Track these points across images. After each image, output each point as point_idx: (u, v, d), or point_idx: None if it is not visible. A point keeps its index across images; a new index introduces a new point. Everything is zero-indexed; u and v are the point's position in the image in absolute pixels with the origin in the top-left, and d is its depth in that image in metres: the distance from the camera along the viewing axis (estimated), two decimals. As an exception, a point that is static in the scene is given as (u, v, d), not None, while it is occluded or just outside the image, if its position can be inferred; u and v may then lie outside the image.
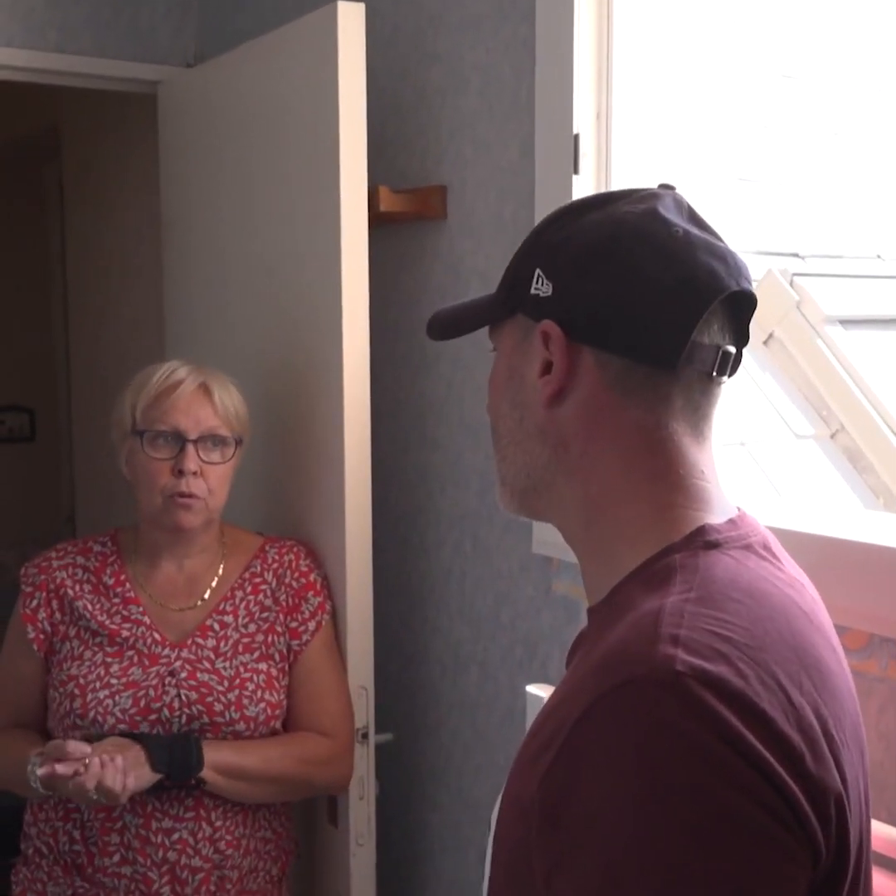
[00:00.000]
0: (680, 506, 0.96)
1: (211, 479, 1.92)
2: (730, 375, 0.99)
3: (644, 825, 0.77)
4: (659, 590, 0.89)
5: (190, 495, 1.90)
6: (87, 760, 1.71)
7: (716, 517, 0.96)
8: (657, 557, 0.93)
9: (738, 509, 1.01)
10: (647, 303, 0.94)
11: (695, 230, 0.97)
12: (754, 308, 1.00)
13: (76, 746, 1.73)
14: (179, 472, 1.89)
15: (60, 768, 1.69)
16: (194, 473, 1.90)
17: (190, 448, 1.90)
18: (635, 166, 1.89)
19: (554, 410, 0.99)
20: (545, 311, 0.98)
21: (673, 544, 0.93)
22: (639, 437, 0.96)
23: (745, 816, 0.77)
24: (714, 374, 0.97)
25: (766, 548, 0.98)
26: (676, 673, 0.80)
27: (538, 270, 0.99)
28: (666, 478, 0.96)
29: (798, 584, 0.97)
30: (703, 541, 0.93)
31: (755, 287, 0.99)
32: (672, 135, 1.93)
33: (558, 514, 1.03)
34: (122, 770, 1.72)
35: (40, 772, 1.71)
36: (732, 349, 0.98)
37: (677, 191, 1.02)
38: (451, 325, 1.12)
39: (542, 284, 0.98)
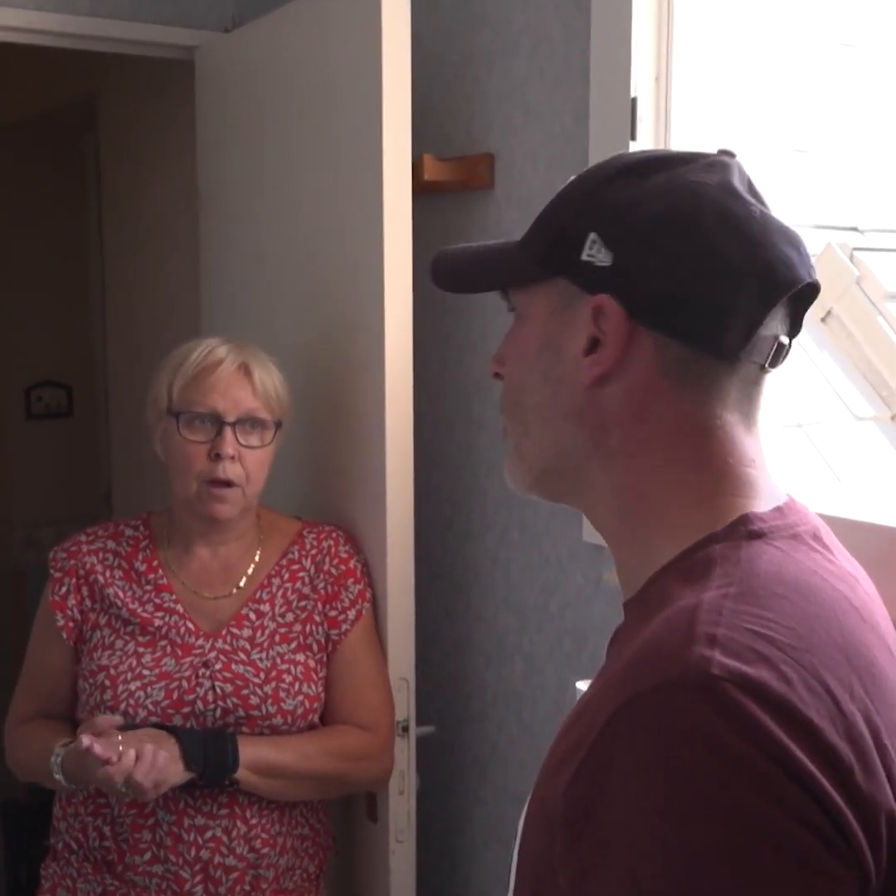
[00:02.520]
0: (725, 494, 0.89)
1: (248, 464, 1.85)
2: (778, 366, 0.93)
3: (673, 841, 0.72)
4: (697, 583, 0.83)
5: (226, 483, 1.83)
6: (121, 748, 1.65)
7: (762, 505, 0.89)
8: (696, 548, 0.87)
9: (788, 496, 0.93)
10: (723, 289, 0.87)
11: (764, 208, 0.90)
12: (815, 299, 0.93)
13: (105, 719, 1.70)
14: (216, 457, 1.82)
15: (98, 749, 1.62)
16: (231, 458, 1.83)
17: (227, 431, 1.83)
18: (696, 132, 1.80)
19: (596, 391, 0.91)
20: (601, 283, 0.89)
21: (714, 534, 0.87)
22: (690, 426, 0.89)
23: (784, 835, 0.72)
24: (767, 365, 0.91)
25: (816, 538, 0.91)
26: (713, 676, 0.74)
27: (593, 234, 0.89)
28: (714, 467, 0.90)
29: (851, 578, 0.90)
30: (746, 530, 0.87)
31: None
32: (732, 100, 1.84)
33: (585, 499, 0.96)
34: (158, 768, 1.66)
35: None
36: (787, 340, 0.91)
37: (738, 159, 0.93)
38: (467, 276, 1.03)
39: (599, 251, 0.89)
